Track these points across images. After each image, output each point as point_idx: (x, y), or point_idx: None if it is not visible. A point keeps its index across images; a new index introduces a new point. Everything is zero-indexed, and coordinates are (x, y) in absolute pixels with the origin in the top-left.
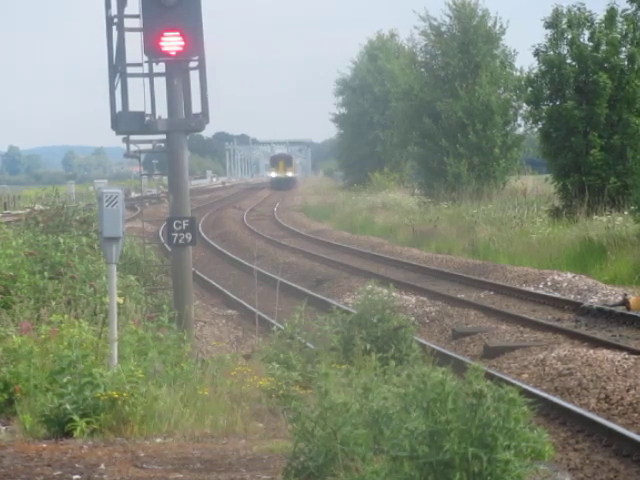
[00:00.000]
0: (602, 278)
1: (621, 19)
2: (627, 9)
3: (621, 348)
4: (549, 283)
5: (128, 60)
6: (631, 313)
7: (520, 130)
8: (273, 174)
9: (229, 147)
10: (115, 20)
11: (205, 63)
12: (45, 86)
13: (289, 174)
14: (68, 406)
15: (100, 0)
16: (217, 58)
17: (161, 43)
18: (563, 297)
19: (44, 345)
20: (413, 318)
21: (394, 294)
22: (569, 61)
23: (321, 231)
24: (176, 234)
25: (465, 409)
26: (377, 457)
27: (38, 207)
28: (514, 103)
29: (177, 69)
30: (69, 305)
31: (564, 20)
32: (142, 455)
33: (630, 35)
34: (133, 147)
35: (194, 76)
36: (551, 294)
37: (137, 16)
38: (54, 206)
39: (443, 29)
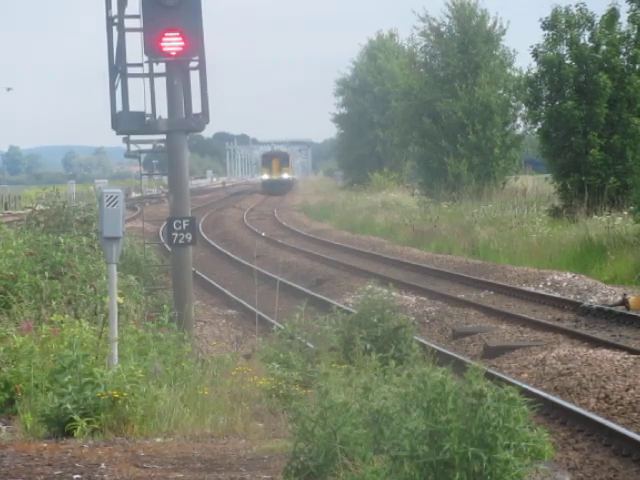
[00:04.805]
0: (602, 278)
1: (624, 20)
2: (628, 10)
3: (621, 348)
4: (549, 283)
5: (128, 60)
6: (631, 313)
7: (520, 130)
8: (265, 176)
9: (229, 147)
10: (115, 20)
11: (205, 63)
12: (45, 86)
13: (285, 175)
14: (69, 406)
15: (100, 0)
16: (217, 58)
17: (161, 43)
18: (563, 297)
19: (45, 345)
20: (413, 318)
21: (394, 294)
22: (568, 61)
23: (321, 231)
24: (176, 234)
25: (465, 409)
26: (377, 457)
27: (39, 207)
28: (513, 103)
29: (177, 69)
30: (69, 305)
31: (563, 21)
32: (142, 455)
33: (633, 36)
34: (133, 147)
35: (194, 76)
36: (551, 294)
37: (137, 16)
38: (55, 206)
39: (443, 29)
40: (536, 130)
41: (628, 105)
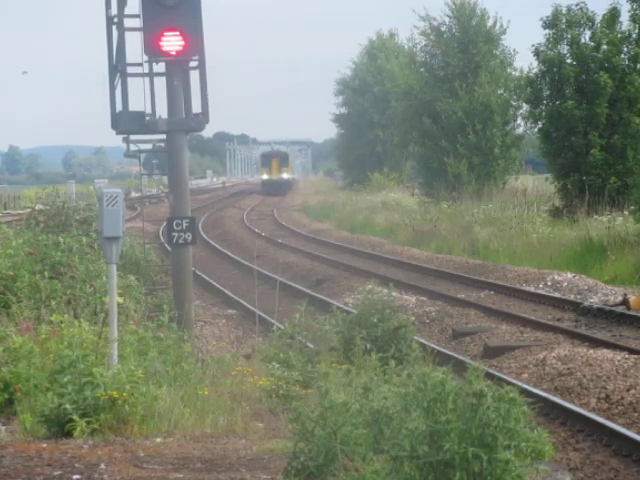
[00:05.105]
0: (602, 278)
1: (625, 19)
2: (629, 9)
3: (621, 348)
4: (549, 283)
5: (128, 60)
6: (631, 313)
7: (520, 130)
8: (264, 176)
9: (229, 147)
10: (115, 20)
11: (205, 63)
12: (45, 86)
13: (284, 176)
14: (68, 406)
15: (100, 0)
16: (217, 58)
17: (161, 43)
18: (563, 297)
19: (44, 345)
20: (413, 318)
21: (394, 294)
22: (569, 61)
23: (321, 231)
24: (176, 234)
25: (465, 409)
26: (377, 457)
27: (39, 207)
28: (514, 103)
29: (177, 69)
30: (69, 305)
31: (563, 20)
32: (142, 455)
33: (634, 35)
34: (133, 147)
35: (194, 76)
36: (551, 294)
37: (137, 16)
38: (54, 206)
39: (443, 29)
40: (536, 130)
41: (629, 105)
